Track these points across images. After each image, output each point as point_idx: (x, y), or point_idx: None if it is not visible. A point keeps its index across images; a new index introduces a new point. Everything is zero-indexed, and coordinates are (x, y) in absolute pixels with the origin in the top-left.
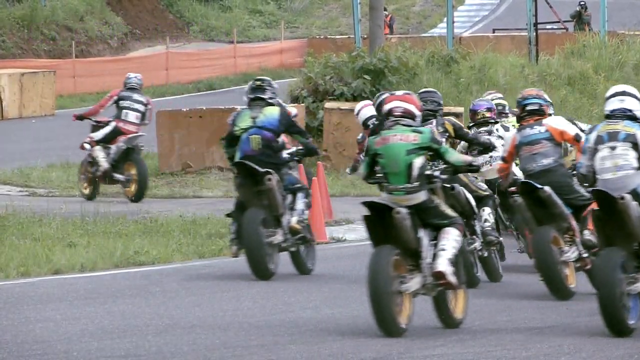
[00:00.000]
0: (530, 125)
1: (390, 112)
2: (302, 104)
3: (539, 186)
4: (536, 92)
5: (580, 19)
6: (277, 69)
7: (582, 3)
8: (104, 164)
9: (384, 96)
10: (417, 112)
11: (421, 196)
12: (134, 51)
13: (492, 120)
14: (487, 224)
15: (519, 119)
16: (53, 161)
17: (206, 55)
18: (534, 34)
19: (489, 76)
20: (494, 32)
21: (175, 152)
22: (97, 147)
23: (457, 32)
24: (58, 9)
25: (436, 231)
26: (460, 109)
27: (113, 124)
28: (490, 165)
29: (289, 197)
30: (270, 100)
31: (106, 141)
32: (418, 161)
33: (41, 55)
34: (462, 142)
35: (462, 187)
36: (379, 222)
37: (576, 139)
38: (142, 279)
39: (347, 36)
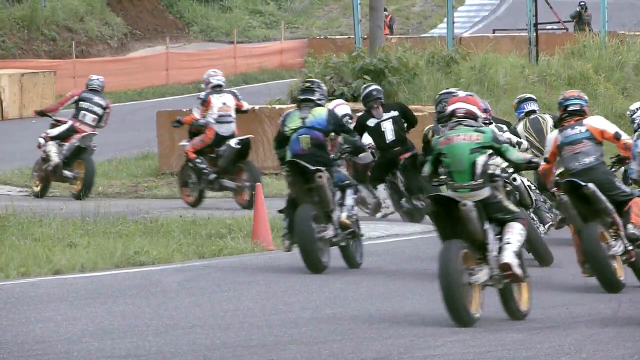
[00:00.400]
0: (571, 126)
1: (453, 113)
2: None
3: (583, 184)
4: (577, 94)
5: (580, 19)
6: (277, 69)
7: (582, 3)
8: (55, 158)
9: (370, 88)
10: (479, 113)
11: (485, 192)
12: (134, 51)
13: (487, 121)
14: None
15: (560, 120)
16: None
17: (206, 56)
18: (534, 34)
19: (489, 76)
20: (494, 33)
21: (175, 152)
22: (51, 143)
23: (457, 32)
24: (58, 10)
25: (500, 226)
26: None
27: (70, 122)
28: None
29: (338, 194)
30: (318, 102)
31: (61, 138)
32: (481, 159)
33: (41, 56)
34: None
35: (522, 178)
36: (446, 216)
37: (616, 137)
38: (143, 279)
39: (347, 36)
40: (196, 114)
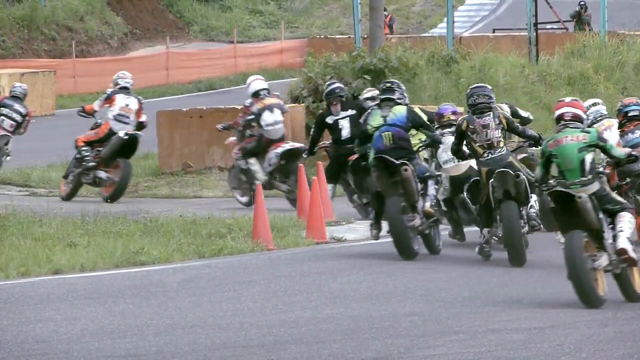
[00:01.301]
0: (632, 131)
1: (560, 117)
2: (302, 104)
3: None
4: (635, 100)
5: (580, 19)
6: (277, 68)
7: (582, 3)
8: None
9: (333, 86)
10: (584, 116)
11: (595, 186)
12: (134, 51)
13: (455, 123)
14: (532, 209)
15: (621, 125)
16: (53, 161)
17: (206, 55)
18: (534, 34)
19: (489, 76)
20: (494, 32)
21: (175, 152)
22: None
23: (457, 32)
24: (58, 9)
25: (611, 217)
26: (459, 109)
27: None
28: (454, 162)
29: (419, 185)
30: (398, 100)
31: None
32: (589, 157)
33: (41, 55)
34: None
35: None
36: (564, 210)
37: None
38: (142, 279)
39: (347, 36)
40: (96, 106)
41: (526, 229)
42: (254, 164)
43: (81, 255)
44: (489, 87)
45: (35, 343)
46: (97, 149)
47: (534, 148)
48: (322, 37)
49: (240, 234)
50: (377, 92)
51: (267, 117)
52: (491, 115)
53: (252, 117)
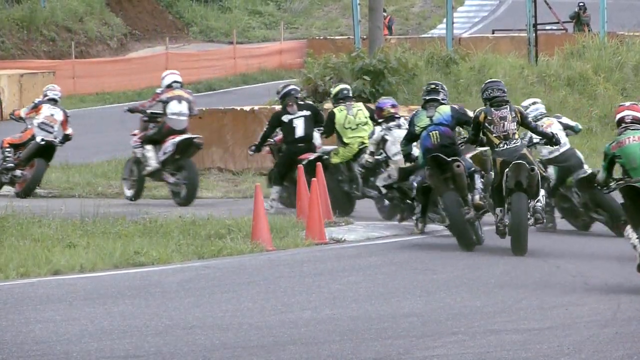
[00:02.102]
0: None
1: (621, 120)
2: None
3: None
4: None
5: (579, 20)
6: (276, 69)
7: (581, 4)
8: None
9: (289, 88)
10: None
11: None
12: (134, 52)
13: (397, 116)
14: (539, 204)
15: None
16: (52, 161)
17: (206, 56)
18: (534, 34)
19: (488, 77)
20: (493, 33)
21: None
22: None
23: (457, 33)
24: (57, 10)
25: None
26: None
27: None
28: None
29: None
30: (442, 101)
31: None
32: None
33: (41, 56)
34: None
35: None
36: (636, 206)
37: None
38: (142, 279)
39: (346, 37)
40: (22, 113)
41: (531, 221)
42: (149, 150)
43: (80, 256)
44: (502, 82)
45: (34, 344)
46: (19, 152)
47: (548, 147)
48: (321, 38)
49: (239, 234)
50: (347, 86)
51: (173, 106)
52: (508, 108)
53: (159, 103)
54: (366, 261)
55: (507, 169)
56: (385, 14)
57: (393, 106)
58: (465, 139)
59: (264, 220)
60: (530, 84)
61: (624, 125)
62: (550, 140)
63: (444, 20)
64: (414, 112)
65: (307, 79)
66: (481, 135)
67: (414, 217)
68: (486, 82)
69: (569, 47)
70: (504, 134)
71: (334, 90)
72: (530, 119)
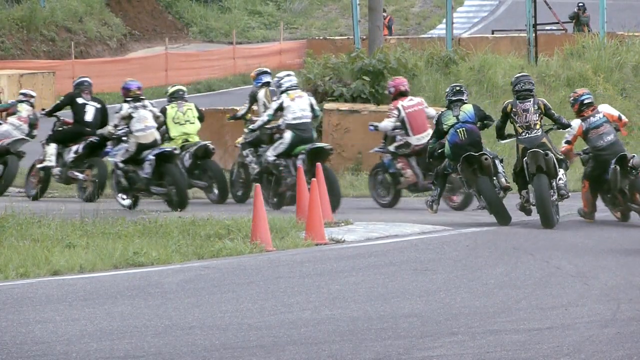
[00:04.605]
0: (592, 115)
1: None
2: None
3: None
4: (586, 90)
5: (578, 20)
6: (276, 69)
7: (581, 4)
8: None
9: (82, 79)
10: None
11: None
12: (133, 52)
13: (142, 97)
14: (561, 181)
15: (579, 112)
16: None
17: (205, 57)
18: (533, 35)
19: (488, 77)
20: (493, 33)
21: None
22: None
23: (456, 33)
24: (57, 10)
25: None
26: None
27: None
28: (144, 132)
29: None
30: (465, 100)
31: None
32: None
33: (40, 56)
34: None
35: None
36: None
37: (619, 118)
38: (141, 280)
39: (346, 37)
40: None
41: (555, 197)
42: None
43: (80, 256)
44: (531, 76)
45: (34, 344)
46: None
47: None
48: (321, 38)
49: (239, 235)
50: (183, 87)
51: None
52: (532, 102)
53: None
54: (366, 261)
55: (526, 157)
56: (385, 14)
57: (139, 88)
58: (488, 124)
59: (263, 220)
60: None
61: None
62: (565, 127)
63: (444, 20)
64: (441, 112)
65: (307, 79)
66: (509, 122)
67: (429, 199)
68: (516, 75)
69: (569, 48)
70: (526, 124)
71: (170, 90)
72: (552, 111)
